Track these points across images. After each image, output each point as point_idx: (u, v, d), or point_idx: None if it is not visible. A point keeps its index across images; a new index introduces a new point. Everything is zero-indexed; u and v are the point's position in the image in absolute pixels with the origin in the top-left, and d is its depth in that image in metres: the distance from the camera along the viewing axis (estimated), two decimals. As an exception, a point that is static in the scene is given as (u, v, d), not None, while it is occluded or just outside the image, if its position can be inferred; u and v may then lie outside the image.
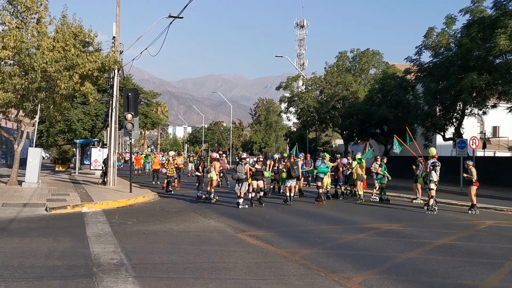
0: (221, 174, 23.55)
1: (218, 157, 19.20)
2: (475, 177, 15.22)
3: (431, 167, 15.26)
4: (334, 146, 62.03)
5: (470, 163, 15.65)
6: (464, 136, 28.18)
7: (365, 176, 18.67)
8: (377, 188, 18.79)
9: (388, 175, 18.45)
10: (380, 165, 18.43)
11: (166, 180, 21.02)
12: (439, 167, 15.40)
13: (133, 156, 36.71)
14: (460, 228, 12.12)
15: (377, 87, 36.43)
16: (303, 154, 21.07)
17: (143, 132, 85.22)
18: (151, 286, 6.48)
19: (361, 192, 18.18)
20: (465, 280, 7.09)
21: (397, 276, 7.23)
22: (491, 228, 12.28)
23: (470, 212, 15.22)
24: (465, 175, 15.63)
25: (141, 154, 40.25)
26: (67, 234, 10.29)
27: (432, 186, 15.09)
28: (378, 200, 18.33)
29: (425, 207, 15.37)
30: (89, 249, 8.75)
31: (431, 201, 15.10)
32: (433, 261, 8.25)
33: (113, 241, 9.54)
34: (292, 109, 47.77)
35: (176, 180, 22.80)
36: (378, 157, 18.80)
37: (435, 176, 15.09)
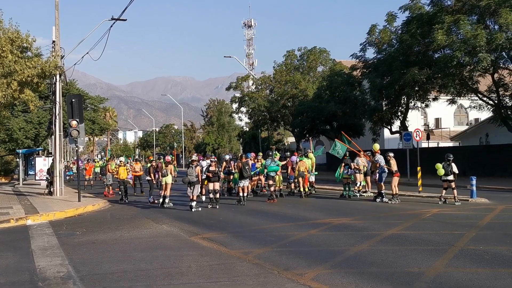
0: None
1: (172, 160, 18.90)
2: (395, 168, 15.87)
3: (448, 160, 15.42)
4: (286, 144, 62.69)
5: (391, 154, 16.30)
6: (410, 129, 29.25)
7: (307, 174, 18.93)
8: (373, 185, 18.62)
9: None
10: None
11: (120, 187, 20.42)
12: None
13: (82, 164, 35.13)
14: (407, 218, 12.57)
15: (325, 84, 37.15)
16: (253, 154, 21.12)
17: (91, 139, 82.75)
18: (100, 297, 6.29)
19: (302, 189, 18.51)
20: (412, 268, 7.36)
21: (348, 269, 7.39)
22: (436, 216, 12.82)
23: (390, 202, 15.76)
24: (385, 166, 16.04)
25: (96, 162, 36.18)
26: (11, 249, 9.82)
27: (452, 177, 15.27)
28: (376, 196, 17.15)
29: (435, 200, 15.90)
30: (34, 263, 8.38)
31: (455, 192, 15.34)
32: (381, 251, 8.50)
33: (60, 253, 9.19)
34: (243, 109, 47.80)
35: (110, 187, 21.89)
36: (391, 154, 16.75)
37: (456, 168, 15.35)
